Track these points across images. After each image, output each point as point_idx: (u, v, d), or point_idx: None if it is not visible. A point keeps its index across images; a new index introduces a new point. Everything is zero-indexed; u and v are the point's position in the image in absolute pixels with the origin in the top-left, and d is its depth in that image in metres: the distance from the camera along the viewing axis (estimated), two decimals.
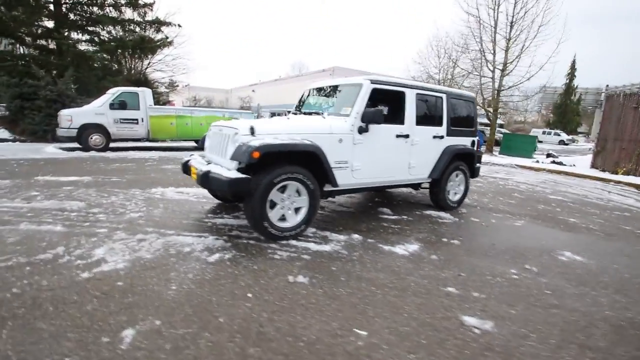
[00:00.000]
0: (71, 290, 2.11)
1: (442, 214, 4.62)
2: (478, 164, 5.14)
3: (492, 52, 16.07)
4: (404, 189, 6.03)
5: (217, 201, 4.49)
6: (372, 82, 3.75)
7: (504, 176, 9.23)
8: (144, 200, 4.33)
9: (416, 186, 4.70)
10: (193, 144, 12.96)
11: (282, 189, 3.11)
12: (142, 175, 6.16)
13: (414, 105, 4.13)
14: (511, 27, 15.51)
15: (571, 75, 41.88)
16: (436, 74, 27.41)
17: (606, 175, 10.01)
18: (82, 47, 13.58)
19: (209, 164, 3.42)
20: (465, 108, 4.87)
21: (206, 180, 2.99)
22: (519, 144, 17.09)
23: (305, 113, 4.31)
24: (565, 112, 42.30)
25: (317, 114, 4.03)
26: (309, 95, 4.78)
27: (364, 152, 3.70)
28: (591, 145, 20.07)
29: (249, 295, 2.20)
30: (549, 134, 36.15)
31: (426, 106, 4.32)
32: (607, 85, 11.76)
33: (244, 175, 2.83)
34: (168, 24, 15.59)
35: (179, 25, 16.03)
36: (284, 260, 2.78)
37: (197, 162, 3.53)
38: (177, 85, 21.48)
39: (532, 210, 5.26)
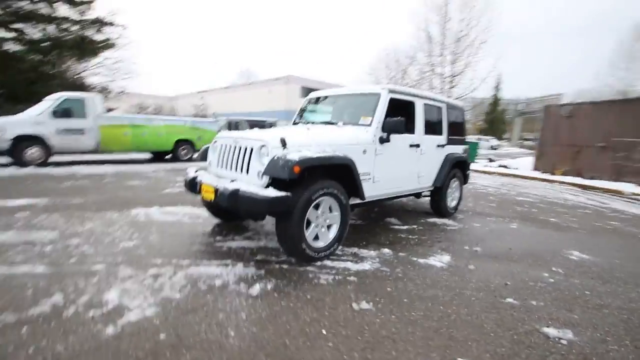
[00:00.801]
0: (104, 356, 1.63)
1: (445, 220, 4.71)
2: (468, 171, 5.37)
3: (442, 65, 17.37)
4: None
5: (214, 221, 4.03)
6: (390, 91, 3.69)
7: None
8: (129, 225, 3.71)
9: (419, 195, 4.74)
10: (149, 155, 11.81)
11: (317, 206, 2.86)
12: (109, 194, 5.33)
13: (423, 115, 4.17)
14: (457, 43, 16.96)
15: (497, 87, 47.16)
16: (387, 84, 28.81)
17: (548, 176, 11.28)
18: (7, 46, 11.57)
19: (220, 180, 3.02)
20: (459, 117, 5.07)
21: (234, 199, 2.61)
22: None
23: (312, 123, 4.09)
24: (494, 120, 47.40)
25: (330, 124, 3.85)
26: (308, 104, 4.58)
27: (384, 162, 3.60)
28: (515, 149, 22.67)
29: (324, 332, 1.92)
30: (484, 140, 40.18)
31: (430, 116, 4.38)
32: (527, 98, 13.36)
33: (284, 193, 2.53)
34: (110, 24, 14.11)
35: (123, 26, 14.63)
36: (332, 284, 2.53)
37: (210, 179, 3.10)
38: (110, 92, 19.25)
39: (513, 212, 5.63)
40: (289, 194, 2.55)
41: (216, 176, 3.21)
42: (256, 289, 2.37)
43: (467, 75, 17.57)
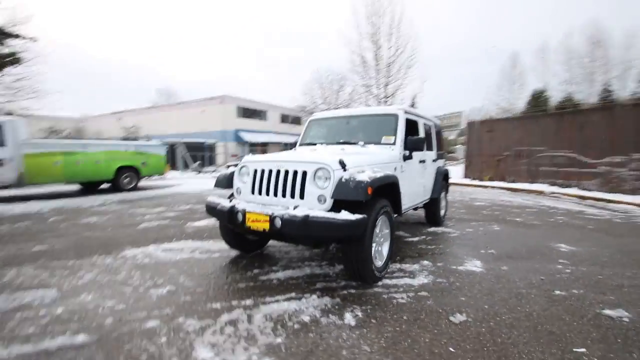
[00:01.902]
0: None
1: (442, 229, 5.10)
2: (449, 182, 5.93)
3: (377, 87, 18.91)
4: None
5: (232, 253, 3.69)
6: (405, 112, 3.94)
7: None
8: (138, 269, 3.16)
9: (417, 207, 5.05)
10: (76, 187, 10.15)
11: (375, 225, 2.86)
12: (72, 236, 4.44)
13: (424, 133, 4.52)
14: (388, 68, 18.71)
15: (413, 105, 53.11)
16: (322, 103, 29.97)
17: (478, 182, 13.02)
18: None
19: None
20: (440, 133, 5.62)
21: (306, 226, 2.46)
22: None
23: (327, 144, 4.08)
24: None
25: (349, 143, 3.90)
26: (314, 125, 4.58)
27: (406, 178, 3.79)
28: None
29: (451, 349, 1.93)
30: None
31: (426, 133, 4.77)
32: (434, 115, 15.51)
33: (361, 215, 2.48)
34: (16, 36, 11.97)
35: (32, 39, 12.55)
36: (413, 301, 2.54)
37: (256, 207, 2.84)
38: (11, 114, 16.15)
39: (483, 216, 6.36)
40: (364, 216, 2.52)
41: (258, 204, 2.97)
42: (348, 318, 2.26)
43: (398, 97, 19.44)
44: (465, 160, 15.29)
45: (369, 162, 3.12)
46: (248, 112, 31.13)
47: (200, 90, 61.19)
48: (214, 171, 19.81)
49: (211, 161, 23.37)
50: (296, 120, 36.13)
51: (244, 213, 2.84)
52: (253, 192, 3.09)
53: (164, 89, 48.58)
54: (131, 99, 61.86)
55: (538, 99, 47.08)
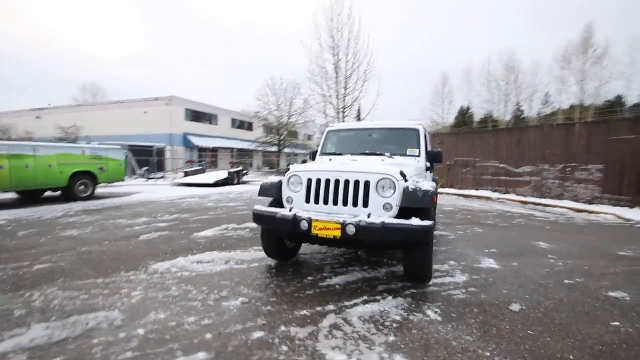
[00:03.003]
0: None
1: (437, 232, 5.64)
2: None
3: (336, 97, 19.64)
4: None
5: (269, 262, 3.68)
6: (423, 127, 4.36)
7: None
8: (185, 283, 3.00)
9: None
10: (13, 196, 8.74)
11: None
12: (71, 252, 3.95)
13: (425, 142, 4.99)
14: (346, 80, 19.59)
15: (358, 117, 55.69)
16: (276, 110, 29.92)
17: None
18: None
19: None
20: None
21: (383, 232, 2.64)
22: None
23: (352, 154, 4.29)
24: None
25: (375, 154, 4.17)
26: (332, 136, 4.76)
27: None
28: None
29: (530, 332, 2.29)
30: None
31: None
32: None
33: (430, 222, 2.76)
34: None
35: None
36: (469, 296, 2.88)
37: (323, 215, 2.93)
38: None
39: (460, 219, 7.14)
40: (433, 222, 2.80)
41: (319, 212, 3.05)
42: (432, 315, 2.51)
43: (355, 107, 20.44)
44: None
45: (410, 173, 3.43)
46: (197, 115, 29.62)
47: (135, 90, 55.91)
48: (161, 177, 18.46)
49: (159, 167, 21.67)
50: (248, 126, 35.38)
51: (310, 221, 2.91)
52: (308, 201, 3.17)
53: (89, 85, 43.43)
54: (48, 93, 54.09)
55: (464, 115, 53.12)
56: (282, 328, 2.24)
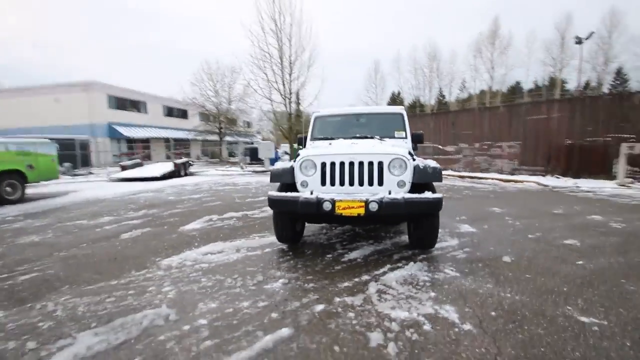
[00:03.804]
0: None
1: None
2: None
3: (282, 83, 19.37)
4: None
5: (281, 246, 3.77)
6: (405, 110, 4.75)
7: None
8: (211, 273, 2.97)
9: None
10: None
11: None
12: (51, 259, 3.50)
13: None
14: (291, 66, 19.40)
15: (297, 103, 55.55)
16: (214, 96, 28.38)
17: None
18: None
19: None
20: None
21: (406, 206, 2.94)
22: None
23: (344, 138, 4.49)
24: (291, 129, 55.74)
25: (366, 138, 4.43)
26: (320, 122, 4.87)
27: None
28: None
29: (528, 275, 2.84)
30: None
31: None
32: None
33: (441, 194, 3.13)
34: None
35: None
36: (468, 256, 3.39)
37: (345, 195, 3.11)
38: None
39: None
40: (441, 194, 3.19)
41: (339, 193, 3.21)
42: (451, 273, 2.92)
43: (301, 93, 20.44)
44: None
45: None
46: (123, 103, 26.54)
47: (47, 74, 47.18)
48: (89, 173, 16.41)
49: (85, 162, 19.11)
50: (183, 114, 32.90)
51: (333, 202, 3.08)
52: (324, 184, 3.32)
53: None
54: None
55: (396, 100, 56.70)
56: (337, 299, 2.42)
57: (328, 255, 3.42)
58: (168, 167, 14.17)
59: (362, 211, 3.02)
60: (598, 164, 10.16)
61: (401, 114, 4.67)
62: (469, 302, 2.35)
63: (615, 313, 2.18)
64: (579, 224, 4.69)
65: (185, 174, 15.27)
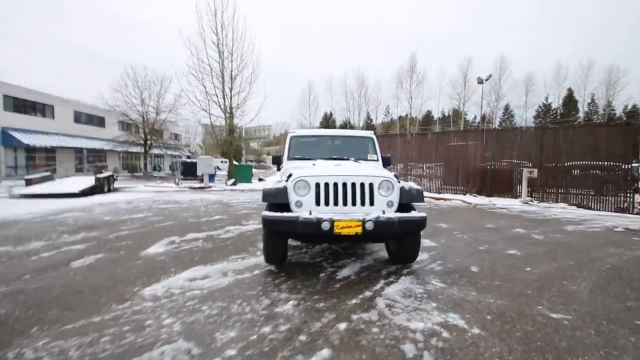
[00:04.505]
0: None
1: None
2: None
3: (223, 96, 18.79)
4: None
5: (269, 267, 3.71)
6: (375, 135, 5.15)
7: None
8: (210, 301, 2.79)
9: None
10: None
11: None
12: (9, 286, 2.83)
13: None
14: (232, 80, 19.02)
15: (231, 116, 53.99)
16: (140, 105, 26.12)
17: None
18: None
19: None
20: None
21: (400, 225, 3.19)
22: (245, 172, 21.03)
23: (321, 159, 4.65)
24: (231, 144, 53.95)
25: (341, 159, 4.68)
26: (296, 142, 4.97)
27: None
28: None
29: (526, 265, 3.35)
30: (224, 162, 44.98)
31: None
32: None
33: (424, 214, 3.49)
34: None
35: None
36: (442, 266, 3.81)
37: (342, 216, 3.24)
38: None
39: None
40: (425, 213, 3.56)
41: (335, 213, 3.34)
42: (438, 285, 3.26)
43: (243, 109, 20.09)
44: None
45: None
46: (23, 105, 22.40)
47: None
48: None
49: None
50: (98, 122, 29.19)
51: (332, 221, 3.20)
52: (318, 204, 3.43)
53: None
54: None
55: (328, 121, 59.33)
56: (354, 316, 2.52)
57: (321, 274, 3.49)
58: (88, 181, 12.42)
59: (359, 230, 3.20)
60: (505, 185, 12.20)
61: (372, 138, 5.07)
62: (465, 309, 2.68)
63: (573, 309, 2.73)
64: (510, 237, 5.60)
65: (109, 190, 13.55)
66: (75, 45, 69.21)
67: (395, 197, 3.49)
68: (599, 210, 9.53)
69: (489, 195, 12.25)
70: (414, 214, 3.42)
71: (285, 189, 3.49)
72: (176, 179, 17.95)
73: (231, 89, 19.06)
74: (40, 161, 22.69)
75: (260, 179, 22.45)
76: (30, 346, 2.07)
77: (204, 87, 18.82)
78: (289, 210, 3.43)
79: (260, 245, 4.63)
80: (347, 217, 3.23)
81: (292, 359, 1.97)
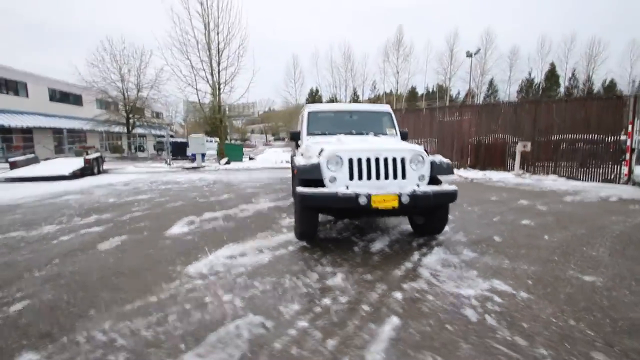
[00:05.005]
0: None
1: None
2: None
3: (211, 72, 18.03)
4: None
5: (300, 243, 3.74)
6: (390, 108, 5.13)
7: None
8: (262, 276, 2.82)
9: None
10: None
11: None
12: (34, 280, 2.75)
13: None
14: (219, 54, 18.21)
15: (219, 95, 52.18)
16: (119, 80, 24.80)
17: None
18: None
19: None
20: None
21: (435, 198, 3.27)
22: (236, 151, 20.63)
23: (340, 133, 4.62)
24: (222, 122, 52.57)
25: (360, 134, 4.67)
26: (314, 117, 4.89)
27: None
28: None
29: (546, 238, 3.52)
30: (210, 141, 43.87)
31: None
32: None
33: (455, 187, 3.57)
34: None
35: None
36: (466, 237, 3.96)
37: (378, 190, 3.27)
38: None
39: None
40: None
41: (371, 187, 3.36)
42: (470, 255, 3.39)
43: (231, 84, 19.39)
44: None
45: None
46: None
47: None
48: None
49: None
50: (75, 100, 27.60)
51: (369, 196, 3.24)
52: (351, 178, 3.45)
53: None
54: None
55: (314, 97, 58.34)
56: (405, 285, 2.62)
57: (355, 248, 3.57)
58: (77, 163, 11.91)
59: (395, 204, 3.25)
60: (498, 159, 12.54)
61: (390, 113, 5.05)
62: (506, 276, 2.82)
63: (600, 272, 2.92)
64: (517, 208, 5.82)
65: (99, 172, 13.08)
66: (41, 21, 63.59)
67: (426, 171, 3.55)
68: (588, 181, 10.00)
69: (483, 169, 12.58)
70: (445, 186, 3.50)
71: (318, 164, 3.48)
72: (167, 159, 17.44)
73: (219, 63, 18.30)
74: (17, 142, 21.46)
75: (250, 158, 22.21)
76: (97, 329, 2.05)
77: (190, 60, 17.97)
78: (320, 185, 3.44)
79: (283, 222, 4.69)
80: (381, 192, 3.27)
81: (364, 327, 2.04)
